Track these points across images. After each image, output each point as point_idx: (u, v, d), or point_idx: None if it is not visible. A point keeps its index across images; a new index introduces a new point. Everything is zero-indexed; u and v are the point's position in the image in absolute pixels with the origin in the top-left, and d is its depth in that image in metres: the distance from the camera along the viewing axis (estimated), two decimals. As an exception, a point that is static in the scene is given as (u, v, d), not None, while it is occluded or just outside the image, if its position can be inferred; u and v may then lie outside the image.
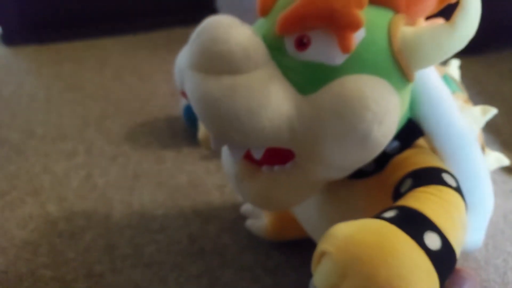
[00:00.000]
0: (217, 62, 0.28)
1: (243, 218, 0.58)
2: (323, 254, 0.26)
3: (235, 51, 0.28)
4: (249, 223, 0.55)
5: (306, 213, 0.41)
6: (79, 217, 0.61)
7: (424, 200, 0.28)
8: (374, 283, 0.23)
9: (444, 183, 0.30)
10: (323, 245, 0.26)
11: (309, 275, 0.28)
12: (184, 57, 0.31)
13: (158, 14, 1.33)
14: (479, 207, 0.36)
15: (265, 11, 0.33)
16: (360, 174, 0.35)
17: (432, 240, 0.26)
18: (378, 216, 0.28)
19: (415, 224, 0.26)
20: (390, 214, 0.27)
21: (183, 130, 0.81)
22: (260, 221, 0.54)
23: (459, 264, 0.33)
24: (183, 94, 0.33)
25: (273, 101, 0.29)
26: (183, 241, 0.56)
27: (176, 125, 0.84)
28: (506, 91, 0.96)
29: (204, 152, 0.74)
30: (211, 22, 0.29)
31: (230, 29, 0.28)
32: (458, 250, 0.28)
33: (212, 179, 0.68)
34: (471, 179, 0.35)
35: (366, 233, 0.25)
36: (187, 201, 0.63)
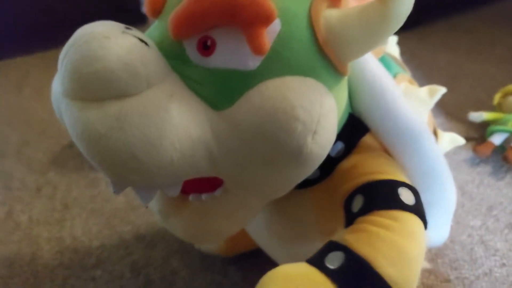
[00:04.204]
0: (94, 87, 0.21)
1: (191, 236, 0.52)
2: None
3: (116, 69, 0.21)
4: (198, 241, 0.49)
5: (254, 229, 0.37)
6: (0, 265, 0.52)
7: (376, 242, 0.24)
8: None
9: (400, 205, 0.26)
10: None
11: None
12: (57, 81, 0.24)
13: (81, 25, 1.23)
14: (441, 204, 0.33)
15: (155, 11, 0.26)
16: (305, 183, 0.30)
17: None
18: (322, 262, 0.24)
19: (361, 284, 0.23)
20: (335, 261, 0.24)
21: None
22: (211, 237, 0.48)
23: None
24: None
25: (177, 125, 0.23)
26: (126, 274, 0.49)
27: (108, 141, 0.76)
28: (442, 62, 0.97)
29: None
30: (80, 34, 0.22)
31: (106, 41, 0.21)
32: None
33: (153, 197, 0.62)
34: (429, 175, 0.32)
35: None
36: (126, 226, 0.57)
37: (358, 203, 0.27)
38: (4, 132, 0.83)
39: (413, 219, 0.26)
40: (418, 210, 0.27)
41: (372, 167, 0.29)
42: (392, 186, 0.28)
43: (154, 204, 0.30)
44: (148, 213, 0.58)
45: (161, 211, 0.29)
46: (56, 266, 0.51)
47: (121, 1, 1.20)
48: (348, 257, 0.24)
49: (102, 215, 0.59)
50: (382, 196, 0.27)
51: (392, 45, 0.49)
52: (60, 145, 0.77)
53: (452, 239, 0.50)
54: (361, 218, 0.26)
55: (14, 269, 0.51)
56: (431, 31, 1.14)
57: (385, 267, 0.23)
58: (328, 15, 0.25)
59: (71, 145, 0.76)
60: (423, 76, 0.90)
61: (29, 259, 0.53)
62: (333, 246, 0.25)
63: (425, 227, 0.27)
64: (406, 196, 0.27)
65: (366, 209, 0.26)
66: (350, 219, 0.27)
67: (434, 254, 0.48)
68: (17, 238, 0.56)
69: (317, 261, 0.24)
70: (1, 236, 0.57)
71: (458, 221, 0.53)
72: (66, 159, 0.73)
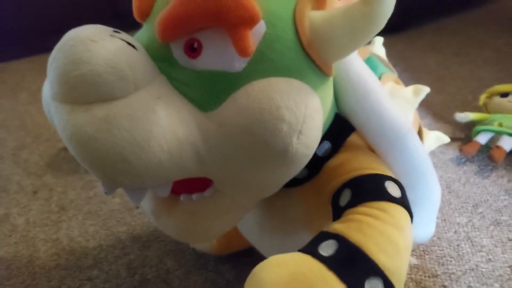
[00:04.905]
0: (82, 90, 0.22)
1: (186, 236, 0.53)
2: None
3: (103, 72, 0.22)
4: (193, 241, 0.50)
5: (246, 227, 0.37)
6: (-2, 267, 0.53)
7: (367, 230, 0.24)
8: None
9: (387, 197, 0.27)
10: None
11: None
12: (47, 85, 0.24)
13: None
14: (426, 201, 0.33)
15: (142, 14, 0.27)
16: (294, 182, 0.31)
17: None
18: (315, 250, 0.24)
19: (356, 269, 0.23)
20: (328, 249, 0.24)
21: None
22: (204, 237, 0.49)
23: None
24: None
25: (165, 126, 0.23)
26: (122, 274, 0.50)
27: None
28: (431, 64, 0.99)
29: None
30: (67, 38, 0.22)
31: (92, 45, 0.22)
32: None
33: (148, 198, 0.62)
34: (413, 173, 0.32)
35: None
36: (122, 227, 0.57)
37: (345, 197, 0.28)
38: (0, 136, 0.83)
39: (400, 211, 0.26)
40: (404, 202, 0.27)
41: (359, 163, 0.30)
42: (379, 179, 0.28)
43: (146, 205, 0.30)
44: (144, 214, 0.59)
45: (153, 211, 0.30)
46: (53, 267, 0.52)
47: (117, 7, 1.20)
48: (341, 244, 0.24)
49: (98, 216, 0.59)
50: (369, 189, 0.27)
51: (378, 46, 0.50)
52: (55, 148, 0.77)
53: (439, 236, 0.51)
54: (349, 210, 0.26)
55: (12, 270, 0.52)
56: (420, 34, 1.15)
57: (376, 253, 0.23)
58: (313, 16, 0.26)
59: (66, 148, 0.76)
60: (412, 78, 0.91)
61: (26, 260, 0.53)
62: (325, 235, 0.25)
63: (411, 220, 0.27)
64: (393, 189, 0.27)
65: (354, 202, 0.27)
66: (338, 213, 0.27)
67: (422, 251, 0.49)
68: (14, 241, 0.57)
69: (310, 249, 0.24)
70: (-2, 238, 0.57)
71: (445, 219, 0.54)
72: (62, 162, 0.73)
